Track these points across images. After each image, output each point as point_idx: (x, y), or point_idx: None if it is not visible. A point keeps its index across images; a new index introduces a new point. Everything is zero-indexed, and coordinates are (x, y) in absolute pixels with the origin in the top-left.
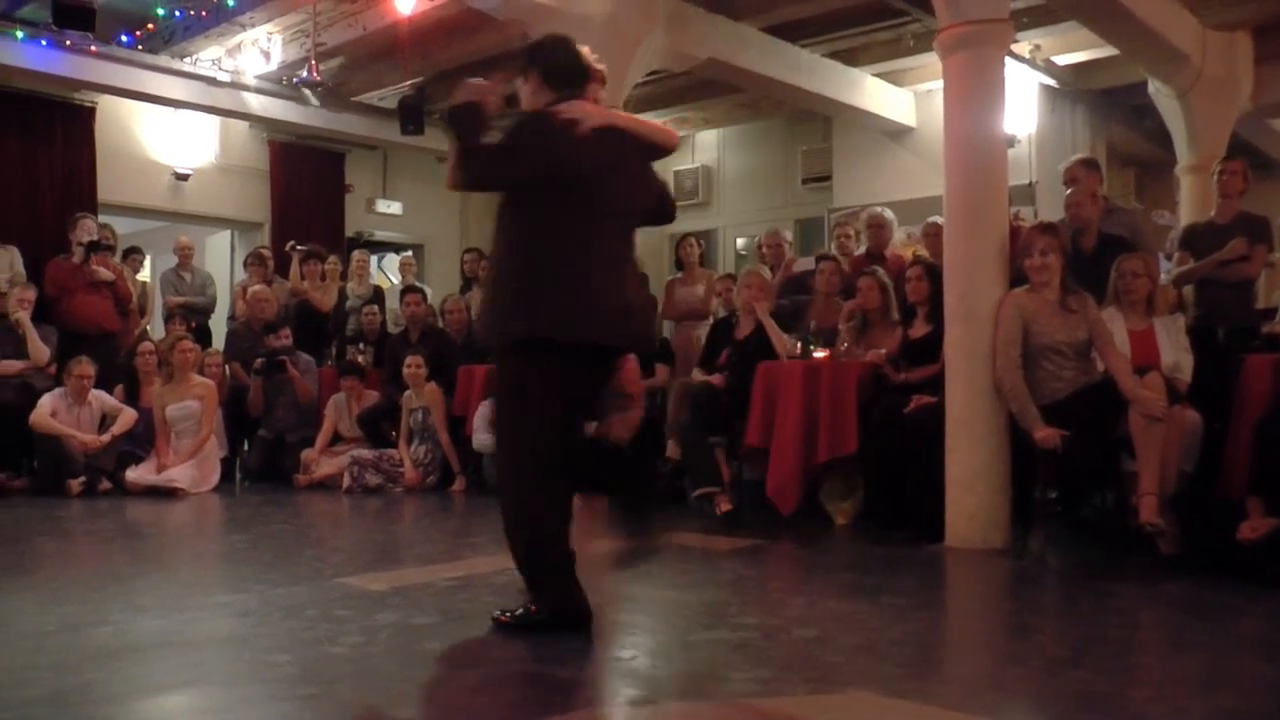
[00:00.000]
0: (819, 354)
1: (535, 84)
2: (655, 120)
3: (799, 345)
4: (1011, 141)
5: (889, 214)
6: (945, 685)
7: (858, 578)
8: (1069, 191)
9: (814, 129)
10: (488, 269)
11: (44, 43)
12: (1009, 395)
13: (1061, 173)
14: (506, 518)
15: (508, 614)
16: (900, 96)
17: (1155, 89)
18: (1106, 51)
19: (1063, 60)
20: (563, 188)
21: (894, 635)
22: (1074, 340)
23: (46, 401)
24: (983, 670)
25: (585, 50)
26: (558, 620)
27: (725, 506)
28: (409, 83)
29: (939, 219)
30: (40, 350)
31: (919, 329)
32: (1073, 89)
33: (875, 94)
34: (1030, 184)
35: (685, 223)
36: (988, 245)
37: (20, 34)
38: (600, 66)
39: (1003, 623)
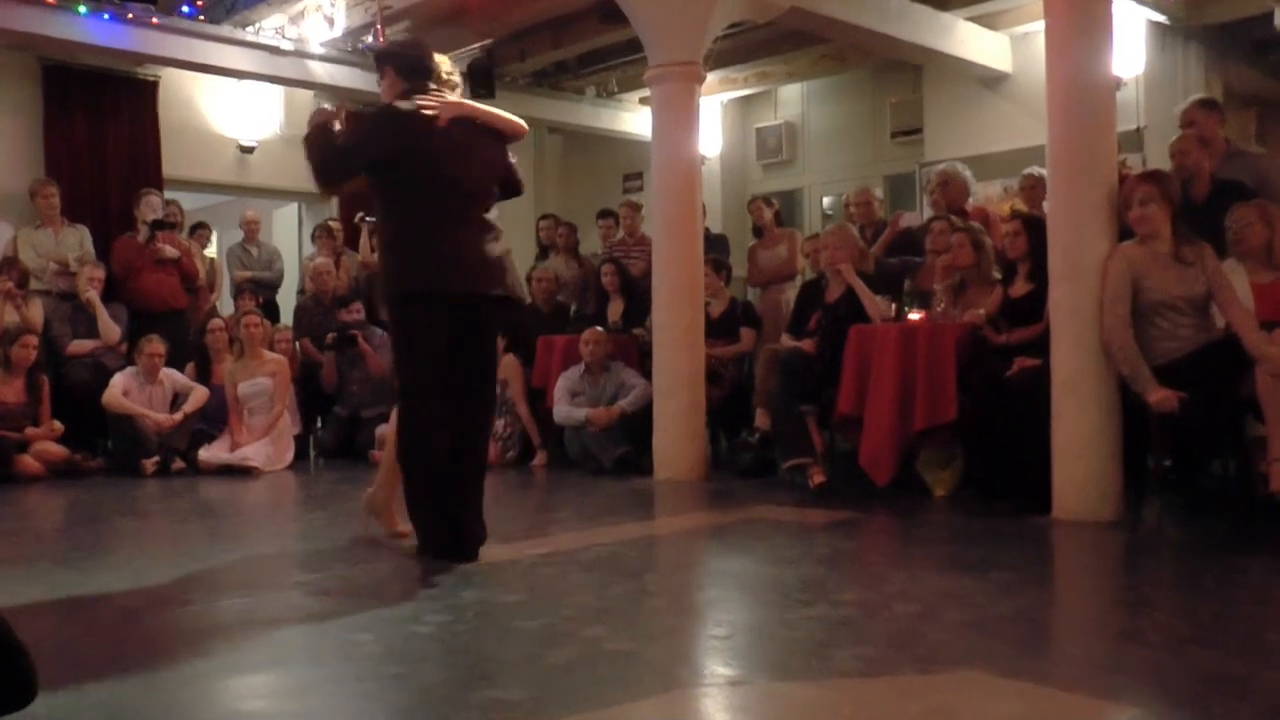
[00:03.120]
0: (914, 316)
1: (390, 78)
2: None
3: (893, 307)
4: (1118, 84)
5: (956, 167)
6: (1061, 665)
7: (960, 551)
8: (1175, 138)
9: (903, 79)
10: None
11: (106, 16)
12: (1119, 356)
13: (1177, 116)
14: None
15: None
16: (996, 41)
17: None
18: None
19: None
20: (413, 167)
21: (1003, 612)
22: (1191, 295)
23: (118, 380)
24: (1100, 649)
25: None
26: (430, 552)
27: (818, 478)
28: (478, 45)
29: (1037, 170)
30: (111, 329)
31: (1019, 287)
32: (1185, 24)
33: (969, 39)
34: (1138, 129)
35: (769, 182)
36: (1094, 196)
37: (83, 8)
38: (449, 74)
39: (1119, 599)
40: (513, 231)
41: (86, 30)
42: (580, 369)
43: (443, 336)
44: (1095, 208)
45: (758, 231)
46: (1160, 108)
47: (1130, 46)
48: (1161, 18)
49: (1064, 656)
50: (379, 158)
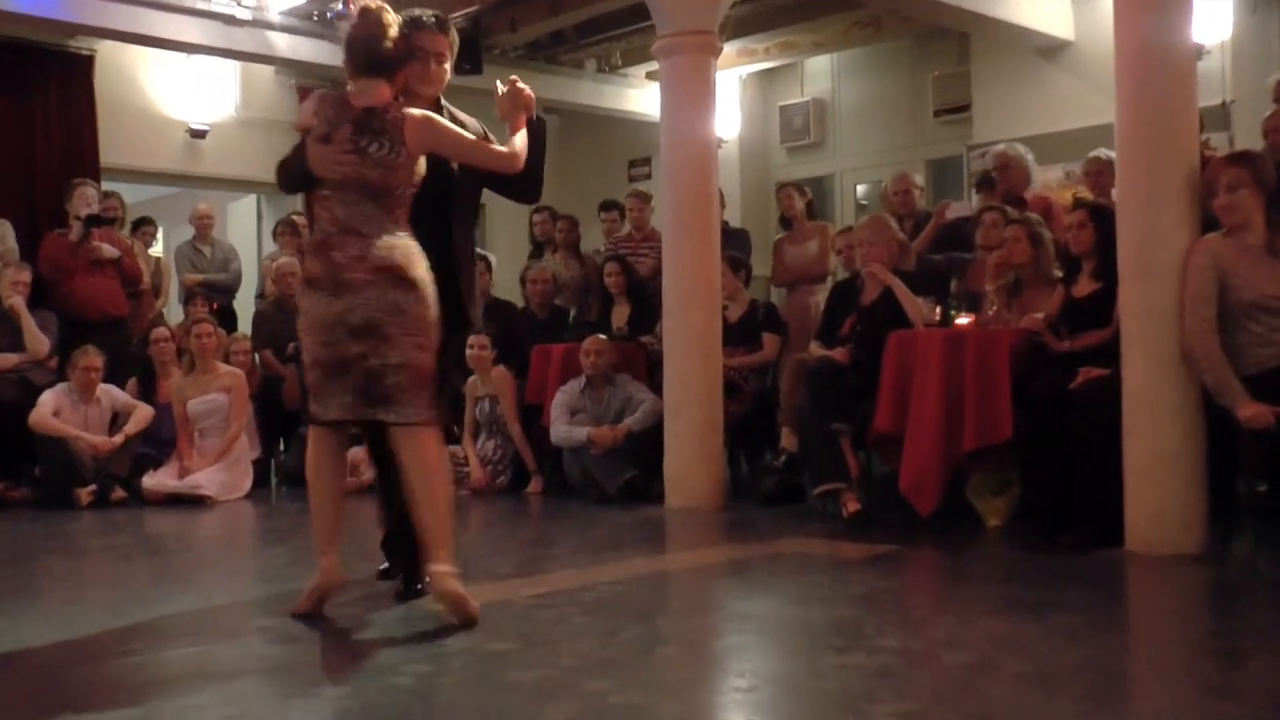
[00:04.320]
0: (962, 320)
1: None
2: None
3: (938, 310)
4: (1200, 52)
5: (1018, 149)
6: None
7: (1017, 591)
8: (1269, 113)
9: (948, 49)
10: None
11: None
12: (1202, 365)
13: (1269, 88)
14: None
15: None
16: (1055, 4)
17: None
18: None
19: None
20: None
21: (1068, 661)
22: None
23: (48, 399)
24: (1185, 706)
25: None
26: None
27: (853, 506)
28: (461, 13)
29: (1105, 152)
30: (39, 340)
31: (1084, 286)
32: None
33: (1023, 2)
34: (1224, 104)
35: (795, 168)
36: (1171, 182)
37: None
38: None
39: (1205, 646)
40: (504, 225)
41: None
42: (581, 382)
43: None
44: (1173, 195)
45: (786, 223)
46: (1250, 79)
47: (1214, 8)
48: None
49: (1143, 714)
50: None
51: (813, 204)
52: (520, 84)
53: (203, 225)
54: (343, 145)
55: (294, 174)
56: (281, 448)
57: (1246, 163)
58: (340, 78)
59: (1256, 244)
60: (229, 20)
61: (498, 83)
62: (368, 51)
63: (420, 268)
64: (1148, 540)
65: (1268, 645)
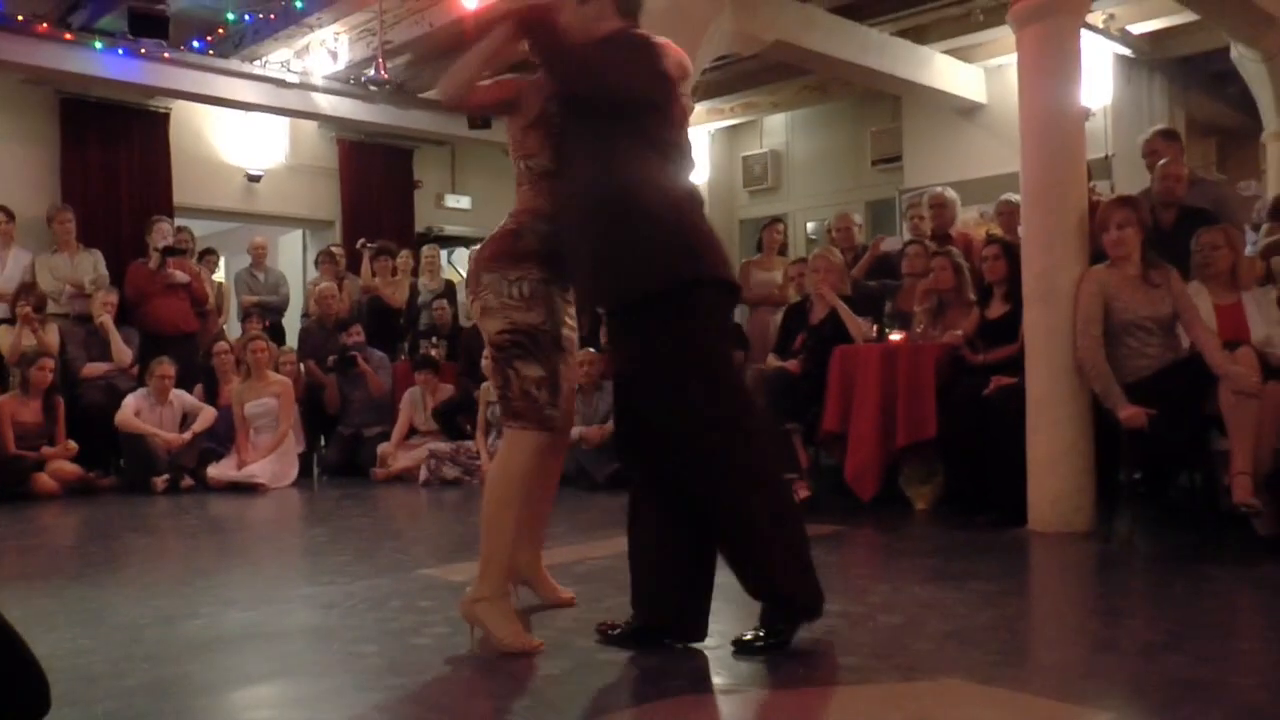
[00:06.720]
0: (895, 337)
1: (602, 8)
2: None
3: (875, 328)
4: (1087, 114)
5: (950, 193)
6: (1038, 673)
7: (941, 563)
8: (1164, 161)
9: (883, 109)
10: (579, 215)
11: (120, 51)
12: (1091, 375)
13: (1140, 145)
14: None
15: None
16: (970, 73)
17: (1239, 55)
18: (1185, 18)
19: (1138, 29)
20: (649, 113)
21: (982, 621)
22: (1158, 315)
23: (130, 401)
24: (1075, 657)
25: None
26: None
27: (803, 493)
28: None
29: (1013, 196)
30: (123, 352)
31: (996, 309)
32: (1149, 58)
33: (945, 71)
34: (1107, 157)
35: (755, 208)
36: (1066, 221)
37: (99, 44)
38: None
39: (1092, 608)
40: None
41: (102, 64)
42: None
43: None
44: (1067, 232)
45: (760, 247)
46: (1128, 136)
47: (1098, 78)
48: (1127, 51)
49: (1041, 664)
50: (646, 97)
51: (785, 243)
52: None
53: (258, 255)
54: None
55: None
56: (322, 443)
57: (1131, 205)
58: (374, 131)
59: (1134, 274)
60: (280, 83)
61: None
62: None
63: (506, 243)
64: (1047, 520)
65: (1142, 607)
